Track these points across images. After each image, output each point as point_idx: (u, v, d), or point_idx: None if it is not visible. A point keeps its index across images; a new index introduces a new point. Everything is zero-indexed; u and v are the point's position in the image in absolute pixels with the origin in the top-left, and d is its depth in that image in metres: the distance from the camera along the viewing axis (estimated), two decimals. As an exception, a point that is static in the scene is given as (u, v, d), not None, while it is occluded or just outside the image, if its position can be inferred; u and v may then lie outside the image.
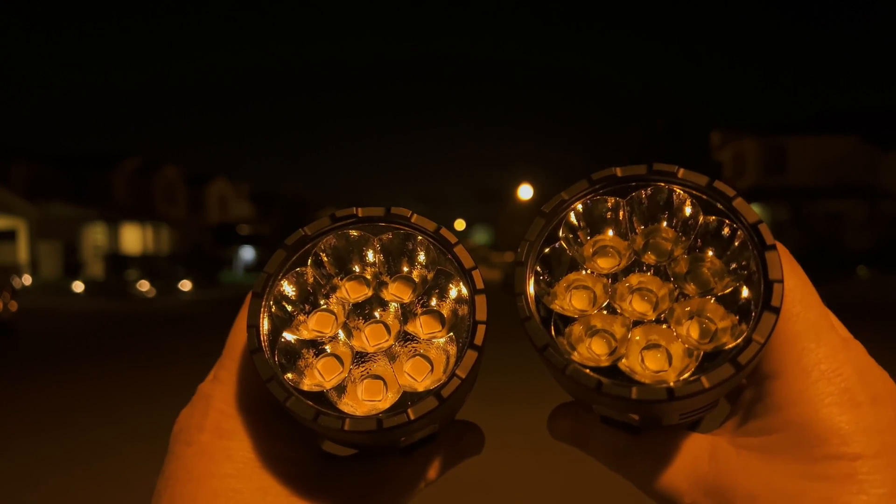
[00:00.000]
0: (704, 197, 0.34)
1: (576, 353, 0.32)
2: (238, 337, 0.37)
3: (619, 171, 0.35)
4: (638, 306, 0.33)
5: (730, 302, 0.32)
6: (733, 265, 0.33)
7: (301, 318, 0.35)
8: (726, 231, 0.33)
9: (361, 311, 0.36)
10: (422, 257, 0.37)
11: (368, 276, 0.36)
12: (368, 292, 0.36)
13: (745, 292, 0.32)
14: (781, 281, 0.31)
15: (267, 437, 0.35)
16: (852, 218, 27.66)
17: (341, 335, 0.35)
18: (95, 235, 29.80)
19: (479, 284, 0.35)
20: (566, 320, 0.33)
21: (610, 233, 0.35)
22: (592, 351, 0.33)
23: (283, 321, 0.35)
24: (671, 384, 0.29)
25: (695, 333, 0.32)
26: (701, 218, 0.34)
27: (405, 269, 0.37)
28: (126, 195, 32.80)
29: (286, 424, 0.35)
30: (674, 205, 0.34)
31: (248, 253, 30.97)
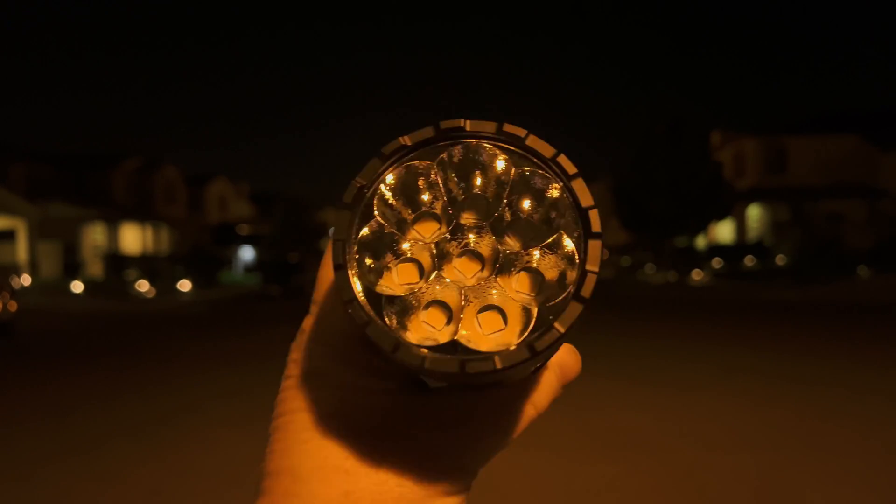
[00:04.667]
0: (514, 149, 0.32)
1: (413, 331, 0.31)
2: (325, 272, 0.35)
3: (408, 140, 0.33)
4: (465, 269, 0.32)
5: (555, 248, 0.31)
6: (553, 214, 0.32)
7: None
8: (538, 182, 0.32)
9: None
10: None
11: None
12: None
13: (567, 242, 0.31)
14: (596, 272, 0.30)
15: (356, 371, 0.33)
16: (852, 218, 27.62)
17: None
18: (95, 235, 29.78)
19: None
20: (394, 300, 0.31)
21: (426, 198, 0.33)
22: (429, 325, 0.31)
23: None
24: (465, 359, 0.29)
25: (524, 287, 0.31)
26: (513, 171, 0.32)
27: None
28: (126, 195, 32.78)
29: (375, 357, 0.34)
30: (485, 161, 0.33)
31: (247, 253, 30.93)
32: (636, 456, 3.99)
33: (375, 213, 0.32)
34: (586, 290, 0.29)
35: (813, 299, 14.00)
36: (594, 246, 0.30)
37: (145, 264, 22.53)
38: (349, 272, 0.31)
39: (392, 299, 0.31)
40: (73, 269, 27.37)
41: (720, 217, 25.92)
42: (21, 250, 25.51)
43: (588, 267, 0.30)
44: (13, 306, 10.95)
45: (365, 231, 0.32)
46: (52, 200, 28.09)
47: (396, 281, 0.32)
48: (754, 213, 30.62)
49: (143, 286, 20.17)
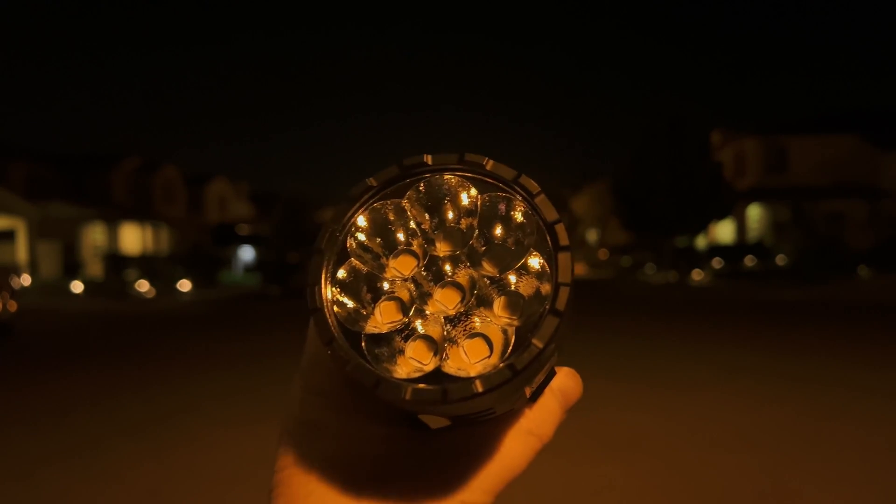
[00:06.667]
0: (480, 178, 0.33)
1: (400, 369, 0.31)
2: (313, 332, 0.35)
3: (374, 181, 0.34)
4: (446, 300, 0.32)
5: (528, 267, 0.32)
6: (522, 235, 0.33)
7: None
8: (504, 206, 0.33)
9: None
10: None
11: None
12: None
13: (539, 260, 0.32)
14: (569, 284, 0.30)
15: (354, 419, 0.33)
16: (853, 218, 27.63)
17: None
18: (95, 235, 29.77)
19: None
20: (378, 339, 0.31)
21: (400, 235, 0.34)
22: (416, 360, 0.31)
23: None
24: (446, 386, 0.28)
25: (505, 311, 0.32)
26: (480, 198, 0.33)
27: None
28: (125, 195, 32.76)
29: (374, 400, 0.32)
30: (451, 192, 0.33)
31: (247, 253, 30.91)
32: (637, 456, 3.98)
33: (350, 254, 0.33)
34: (560, 303, 0.30)
35: (813, 299, 13.98)
36: (564, 258, 0.31)
37: (145, 264, 22.51)
38: (326, 314, 0.31)
39: (375, 338, 0.31)
40: (72, 269, 27.35)
41: (720, 217, 25.91)
42: (21, 250, 25.49)
43: (560, 280, 0.30)
44: (13, 306, 10.94)
45: (342, 273, 0.32)
46: (52, 200, 28.06)
47: (380, 320, 0.32)
48: (754, 213, 30.61)
49: (143, 286, 20.17)
